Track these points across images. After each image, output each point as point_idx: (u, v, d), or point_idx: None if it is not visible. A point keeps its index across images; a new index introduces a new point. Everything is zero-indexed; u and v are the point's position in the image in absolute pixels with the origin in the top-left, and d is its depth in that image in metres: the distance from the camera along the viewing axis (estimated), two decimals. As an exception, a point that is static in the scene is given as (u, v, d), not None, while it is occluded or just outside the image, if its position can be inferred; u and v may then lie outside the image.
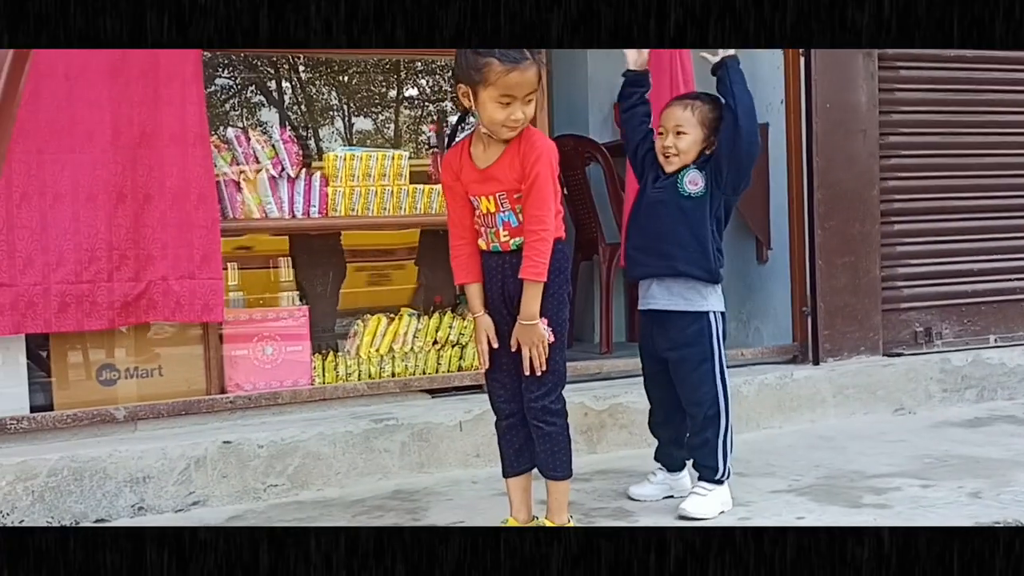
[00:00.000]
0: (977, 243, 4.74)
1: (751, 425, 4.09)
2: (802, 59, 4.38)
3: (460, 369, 4.04)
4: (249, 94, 5.64)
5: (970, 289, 4.73)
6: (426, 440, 3.59)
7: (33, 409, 3.41)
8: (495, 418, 2.81)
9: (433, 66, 6.25)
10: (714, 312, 2.99)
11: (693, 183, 2.96)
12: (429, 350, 4.01)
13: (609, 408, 3.86)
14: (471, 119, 2.72)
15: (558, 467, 2.69)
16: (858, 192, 4.43)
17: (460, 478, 3.53)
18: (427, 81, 6.31)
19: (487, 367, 2.73)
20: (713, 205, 2.97)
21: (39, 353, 3.58)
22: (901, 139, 4.59)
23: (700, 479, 3.02)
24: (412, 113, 6.14)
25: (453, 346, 4.04)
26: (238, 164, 3.76)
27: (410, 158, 4.15)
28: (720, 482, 3.00)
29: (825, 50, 4.33)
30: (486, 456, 3.64)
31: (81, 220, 3.32)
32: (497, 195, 2.60)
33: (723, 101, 2.96)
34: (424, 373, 3.98)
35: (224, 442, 3.32)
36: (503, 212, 2.62)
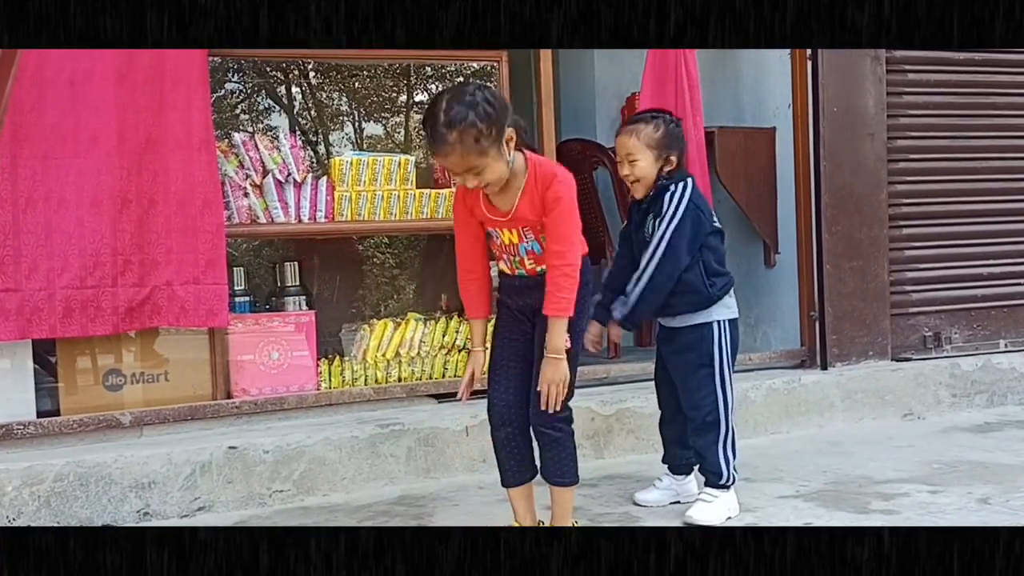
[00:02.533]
0: (987, 247, 4.71)
1: (759, 430, 4.07)
2: (809, 63, 4.37)
3: (466, 374, 4.02)
4: (257, 99, 5.65)
5: (980, 293, 4.70)
6: (432, 445, 3.58)
7: (40, 414, 3.42)
8: (491, 428, 2.76)
9: (443, 71, 6.26)
10: (719, 321, 3.00)
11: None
12: (436, 355, 4.00)
13: (616, 413, 3.84)
14: None
15: (565, 473, 2.67)
16: (866, 196, 4.41)
17: (466, 483, 3.52)
18: (436, 86, 6.31)
19: (465, 399, 2.74)
20: None
21: (46, 358, 3.59)
22: (909, 143, 4.57)
23: (706, 484, 3.02)
24: (420, 118, 6.13)
25: (460, 351, 4.03)
26: (244, 169, 3.76)
27: (417, 163, 4.14)
28: (726, 487, 3.00)
29: (832, 54, 4.32)
30: (492, 461, 3.59)
31: (86, 225, 3.32)
32: (521, 229, 2.55)
33: (671, 118, 3.04)
34: (431, 378, 3.97)
35: (230, 447, 3.31)
36: (526, 242, 2.57)
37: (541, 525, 2.75)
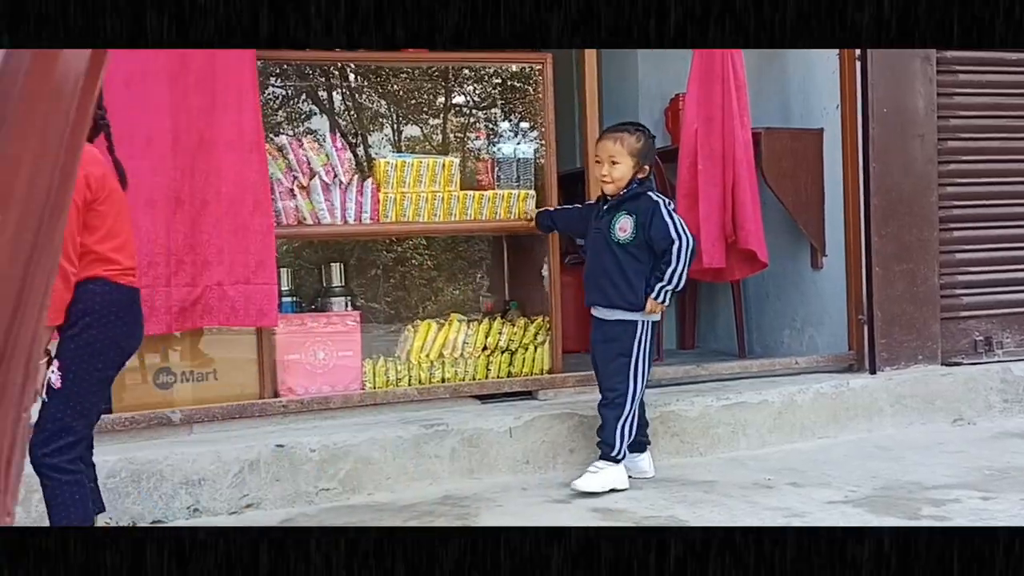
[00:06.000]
0: (1039, 250, 4.62)
1: (806, 434, 4.02)
2: (858, 63, 4.31)
3: (510, 375, 4.04)
4: (300, 102, 5.70)
5: (1032, 297, 4.61)
6: (476, 446, 3.59)
7: (92, 411, 3.47)
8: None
9: (481, 73, 6.28)
10: (643, 321, 3.39)
11: (623, 229, 3.38)
12: (479, 356, 4.01)
13: (660, 416, 3.82)
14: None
15: None
16: (916, 198, 4.35)
17: (510, 484, 3.53)
18: (474, 88, 6.33)
19: None
20: (644, 248, 3.37)
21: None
22: (960, 144, 4.50)
23: (600, 457, 3.37)
24: (461, 120, 6.16)
25: (503, 352, 4.04)
26: (291, 171, 3.80)
27: (460, 165, 4.16)
28: (615, 460, 3.34)
29: (881, 54, 4.27)
30: (536, 463, 3.63)
31: (140, 226, 3.37)
32: None
33: (649, 133, 3.48)
34: (474, 379, 3.98)
35: (277, 445, 3.35)
36: None
37: None
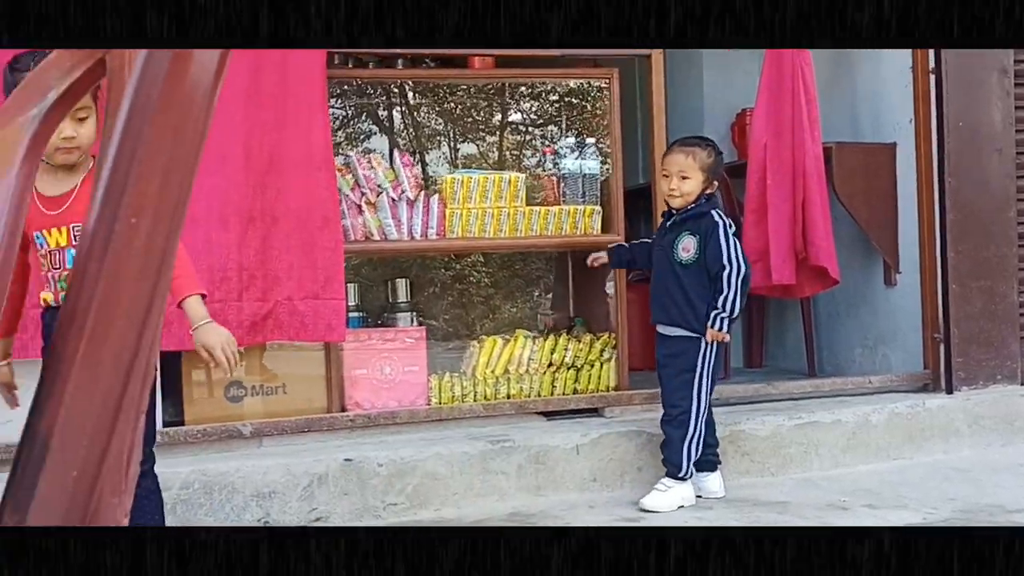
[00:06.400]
0: (1125, 267, 4.45)
1: (880, 455, 3.92)
2: (932, 77, 4.22)
3: (575, 392, 4.01)
4: (363, 120, 5.79)
5: (1117, 316, 4.44)
6: (543, 463, 3.56)
7: (166, 424, 3.54)
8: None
9: (537, 91, 6.30)
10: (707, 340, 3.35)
11: (686, 250, 3.36)
12: (544, 372, 3.99)
13: (730, 435, 3.75)
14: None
15: None
16: (993, 214, 4.23)
17: (577, 502, 3.49)
18: (530, 106, 6.35)
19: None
20: (707, 268, 3.33)
21: (171, 371, 3.71)
22: (1040, 158, 4.36)
23: (666, 475, 3.35)
24: (524, 136, 6.18)
25: (568, 369, 4.02)
26: (359, 187, 3.84)
27: (524, 181, 4.16)
28: (683, 479, 3.33)
29: (957, 68, 4.17)
30: (603, 481, 3.59)
31: (214, 242, 3.44)
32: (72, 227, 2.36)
33: (718, 148, 3.45)
34: (539, 395, 3.96)
35: (345, 460, 3.36)
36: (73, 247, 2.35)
37: None
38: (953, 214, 4.17)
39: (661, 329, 3.45)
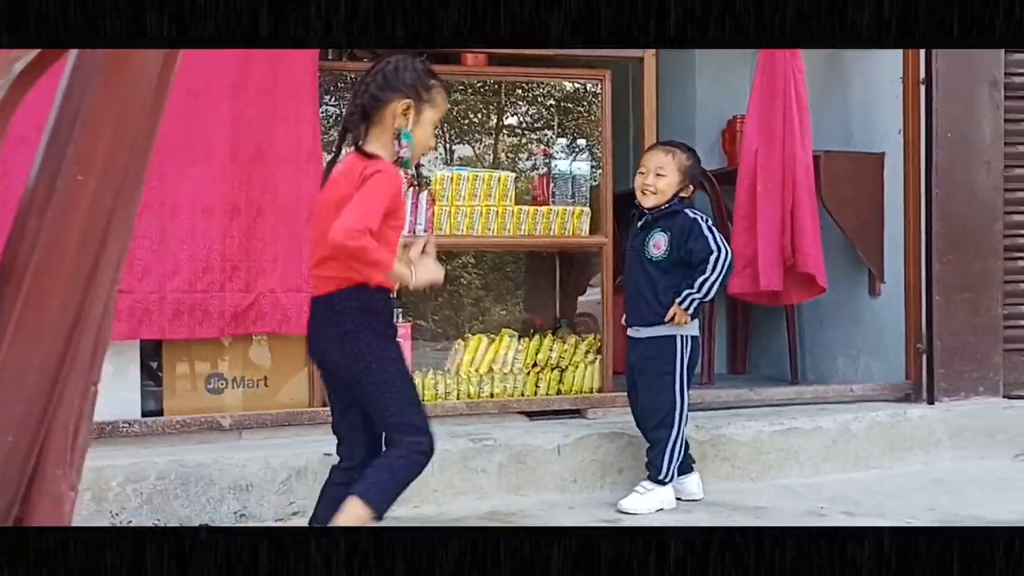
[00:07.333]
0: (1109, 283, 4.47)
1: (860, 464, 3.92)
2: (922, 87, 4.23)
3: (559, 393, 4.00)
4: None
5: (1100, 331, 4.46)
6: (523, 463, 3.55)
7: (144, 414, 3.52)
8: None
9: (533, 93, 6.30)
10: (681, 336, 3.35)
11: (656, 247, 3.36)
12: (528, 372, 3.98)
13: (711, 439, 3.75)
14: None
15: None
16: (980, 226, 4.24)
17: (556, 502, 3.49)
18: (526, 108, 6.35)
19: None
20: (678, 265, 3.34)
21: (151, 361, 3.69)
22: (1027, 171, 4.38)
23: (646, 478, 3.35)
24: (515, 136, 6.18)
25: (552, 369, 4.01)
26: (348, 181, 3.82)
27: (514, 180, 4.15)
28: (663, 482, 3.32)
29: (948, 79, 4.18)
30: (583, 482, 3.59)
31: (197, 231, 3.42)
32: None
33: (697, 157, 3.46)
34: (522, 395, 3.95)
35: (325, 454, 3.34)
36: None
37: None
38: (939, 225, 4.18)
39: (633, 332, 3.46)
